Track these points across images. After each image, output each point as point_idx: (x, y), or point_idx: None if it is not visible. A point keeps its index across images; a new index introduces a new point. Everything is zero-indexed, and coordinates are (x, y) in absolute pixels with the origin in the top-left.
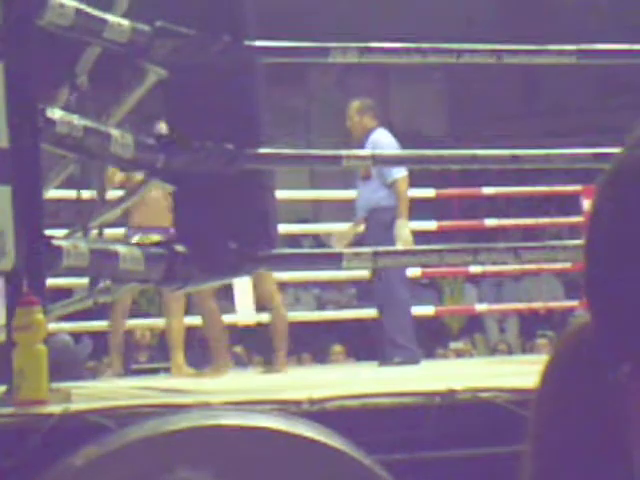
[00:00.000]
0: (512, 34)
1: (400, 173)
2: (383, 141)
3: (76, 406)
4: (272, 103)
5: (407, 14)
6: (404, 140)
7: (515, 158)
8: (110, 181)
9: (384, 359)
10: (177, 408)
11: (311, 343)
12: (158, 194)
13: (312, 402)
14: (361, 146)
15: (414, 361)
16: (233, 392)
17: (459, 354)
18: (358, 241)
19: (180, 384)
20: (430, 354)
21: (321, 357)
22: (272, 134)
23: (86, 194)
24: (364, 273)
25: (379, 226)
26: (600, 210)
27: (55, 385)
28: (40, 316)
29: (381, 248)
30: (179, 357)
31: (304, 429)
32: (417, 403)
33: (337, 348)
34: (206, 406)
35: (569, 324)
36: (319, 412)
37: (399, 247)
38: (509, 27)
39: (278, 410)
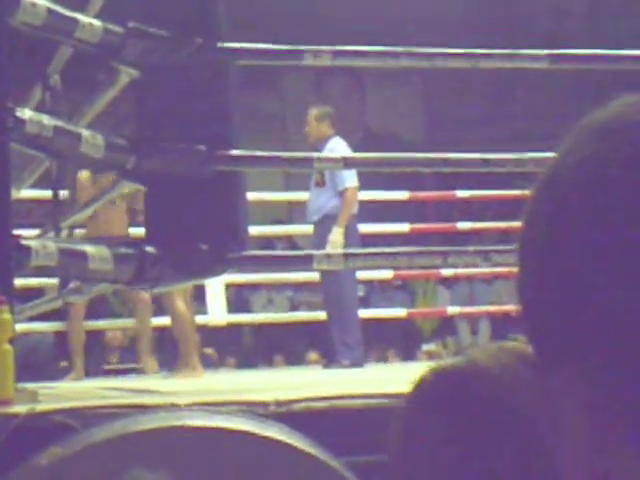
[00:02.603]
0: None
1: (351, 182)
2: (339, 149)
3: (42, 406)
4: (247, 107)
5: (408, 18)
6: (381, 143)
7: (486, 162)
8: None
9: (331, 361)
10: (143, 409)
11: (284, 345)
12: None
13: (279, 404)
14: (317, 152)
15: (361, 363)
16: (200, 393)
17: (431, 356)
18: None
19: (147, 385)
20: (402, 356)
21: (294, 359)
22: (248, 138)
23: (59, 194)
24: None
25: (330, 233)
26: (534, 216)
27: (21, 385)
28: (7, 316)
29: (352, 250)
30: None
31: (271, 431)
32: (384, 405)
33: (313, 356)
34: (173, 407)
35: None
36: (286, 413)
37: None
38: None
39: (245, 411)
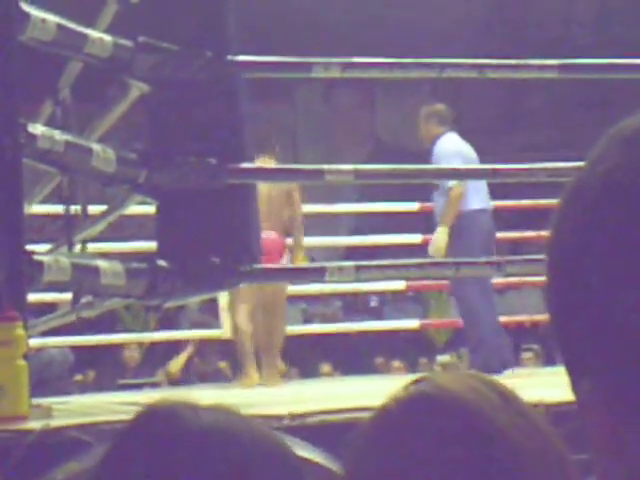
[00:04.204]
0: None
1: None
2: (443, 150)
3: (56, 422)
4: (258, 118)
5: (418, 28)
6: (390, 154)
7: (495, 172)
8: None
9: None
10: None
11: (298, 357)
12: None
13: (293, 417)
14: (430, 151)
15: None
16: None
17: (446, 367)
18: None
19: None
20: (415, 367)
21: (308, 371)
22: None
23: (71, 208)
24: (350, 286)
25: (451, 234)
26: (561, 227)
27: (36, 401)
28: (20, 331)
29: (363, 262)
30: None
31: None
32: None
33: (326, 368)
34: None
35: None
36: (300, 427)
37: (430, 252)
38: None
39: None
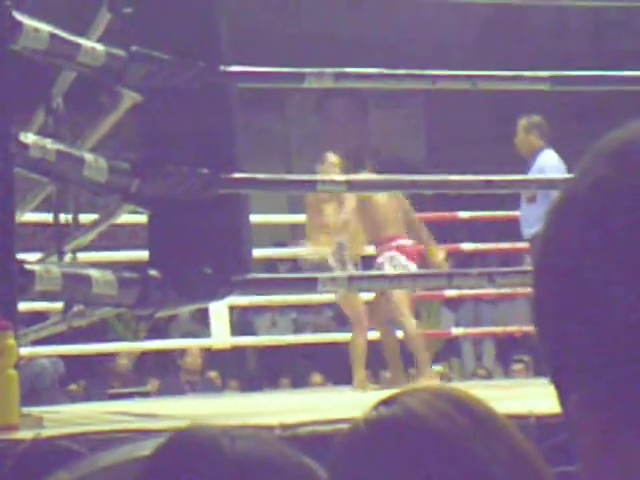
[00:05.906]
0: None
1: None
2: (549, 165)
3: (47, 432)
4: (251, 128)
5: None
6: (382, 165)
7: (489, 183)
8: None
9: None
10: (149, 433)
11: (288, 367)
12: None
13: (284, 427)
14: (529, 164)
15: None
16: (205, 417)
17: (438, 377)
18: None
19: (153, 409)
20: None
21: (299, 381)
22: (251, 158)
23: (62, 217)
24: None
25: None
26: (547, 238)
27: (27, 410)
28: (11, 341)
29: (356, 273)
30: (361, 373)
31: None
32: None
33: (317, 378)
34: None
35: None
36: (291, 437)
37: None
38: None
39: None
